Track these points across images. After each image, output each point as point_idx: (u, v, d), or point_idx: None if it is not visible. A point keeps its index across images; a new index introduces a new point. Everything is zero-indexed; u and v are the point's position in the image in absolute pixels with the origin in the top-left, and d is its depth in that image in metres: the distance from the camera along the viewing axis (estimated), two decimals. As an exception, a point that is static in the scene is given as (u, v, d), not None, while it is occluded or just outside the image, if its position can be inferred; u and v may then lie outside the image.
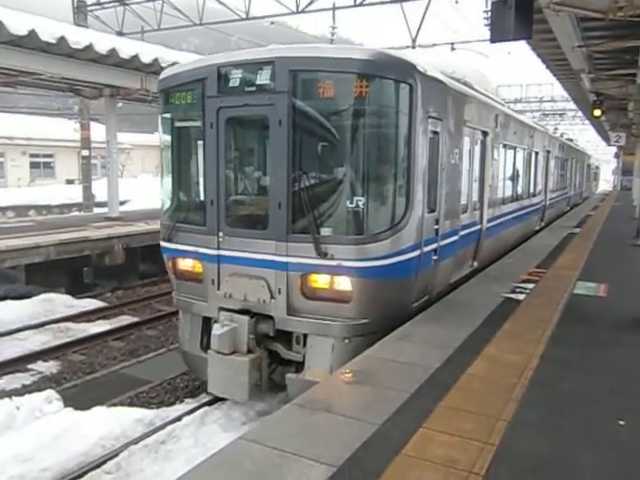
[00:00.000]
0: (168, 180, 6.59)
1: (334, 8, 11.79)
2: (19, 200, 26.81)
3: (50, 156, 35.97)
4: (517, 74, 40.84)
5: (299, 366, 5.68)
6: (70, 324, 9.95)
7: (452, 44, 13.53)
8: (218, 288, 5.90)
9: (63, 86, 15.46)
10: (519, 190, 11.91)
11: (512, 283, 7.84)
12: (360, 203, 5.28)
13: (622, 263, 10.23)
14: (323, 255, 5.27)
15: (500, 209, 9.81)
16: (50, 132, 34.38)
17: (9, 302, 10.47)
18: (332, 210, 5.51)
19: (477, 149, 8.21)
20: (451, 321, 5.92)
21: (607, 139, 34.23)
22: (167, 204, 6.60)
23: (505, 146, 10.01)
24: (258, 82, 5.50)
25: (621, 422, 3.75)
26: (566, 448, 3.38)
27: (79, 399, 6.74)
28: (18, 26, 10.62)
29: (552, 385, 4.32)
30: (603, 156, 56.88)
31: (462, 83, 7.79)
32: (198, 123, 5.99)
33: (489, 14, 7.36)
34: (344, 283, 5.36)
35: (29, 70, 12.04)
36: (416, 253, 5.76)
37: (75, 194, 25.71)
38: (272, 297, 5.58)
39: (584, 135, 43.52)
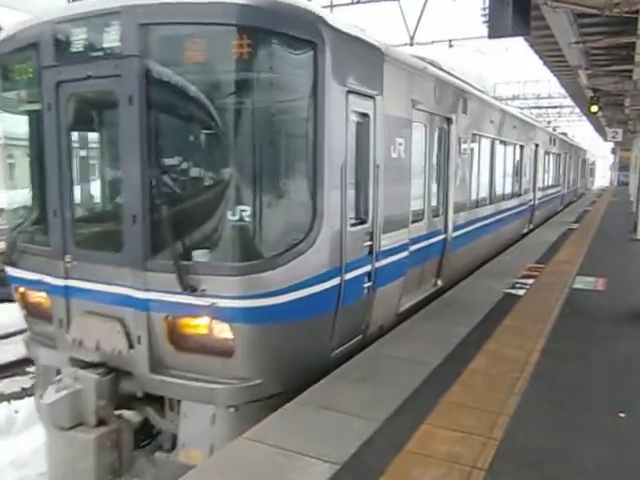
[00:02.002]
0: (10, 185, 5.24)
1: (331, 5, 11.78)
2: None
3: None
4: (515, 71, 40.93)
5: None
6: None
7: (450, 41, 13.53)
8: (67, 331, 4.40)
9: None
10: (499, 189, 10.33)
11: (512, 279, 7.87)
12: (245, 215, 3.79)
13: (620, 257, 10.26)
14: (191, 290, 3.78)
15: (472, 213, 8.20)
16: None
17: (6, 305, 10.43)
18: (206, 225, 4.01)
19: (436, 140, 6.70)
20: (452, 317, 5.92)
21: (604, 135, 34.33)
22: (10, 217, 5.25)
23: (478, 137, 8.44)
24: (105, 44, 3.98)
25: (621, 414, 3.76)
26: (568, 441, 3.39)
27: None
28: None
29: (553, 379, 4.34)
30: (600, 152, 57.04)
31: (428, 62, 6.63)
32: (38, 105, 4.41)
33: (487, 11, 7.36)
34: (223, 330, 3.91)
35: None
36: (333, 282, 4.31)
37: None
38: (130, 347, 4.10)
39: (581, 131, 43.61)
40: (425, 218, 6.37)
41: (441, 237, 6.87)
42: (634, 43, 10.25)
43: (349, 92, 4.40)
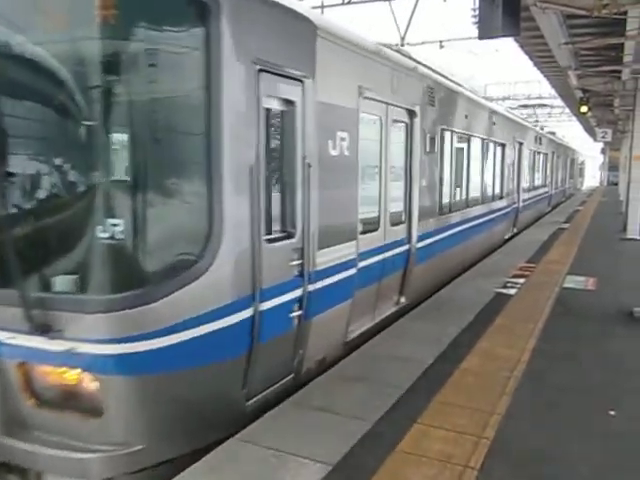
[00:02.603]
0: None
1: (322, 6, 11.76)
2: None
3: None
4: (505, 72, 41.29)
5: None
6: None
7: (440, 42, 13.59)
8: None
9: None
10: (476, 192, 9.44)
11: (503, 278, 7.92)
12: (117, 231, 2.94)
13: (610, 257, 10.36)
14: (42, 330, 2.93)
15: (443, 220, 7.33)
16: None
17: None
18: (67, 245, 3.09)
19: (395, 135, 5.80)
20: (444, 317, 5.94)
21: (594, 135, 34.68)
22: None
23: (450, 134, 7.56)
24: None
25: (612, 412, 3.80)
26: (559, 440, 3.41)
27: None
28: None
29: (544, 378, 4.36)
30: (590, 152, 57.64)
31: (395, 50, 6.04)
32: None
33: (477, 12, 7.40)
34: (87, 382, 3.07)
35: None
36: (243, 314, 3.42)
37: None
38: None
39: (571, 131, 44.03)
40: (381, 227, 5.46)
41: (403, 248, 5.98)
42: (622, 44, 10.36)
43: (262, 72, 3.47)
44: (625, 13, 8.32)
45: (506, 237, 12.38)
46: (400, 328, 5.55)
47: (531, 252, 10.38)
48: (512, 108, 24.07)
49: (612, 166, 43.61)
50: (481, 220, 9.68)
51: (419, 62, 6.73)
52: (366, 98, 4.89)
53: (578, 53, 11.99)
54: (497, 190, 11.07)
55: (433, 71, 7.12)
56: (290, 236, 3.90)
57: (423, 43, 13.53)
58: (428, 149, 6.54)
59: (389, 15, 12.69)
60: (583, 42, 10.85)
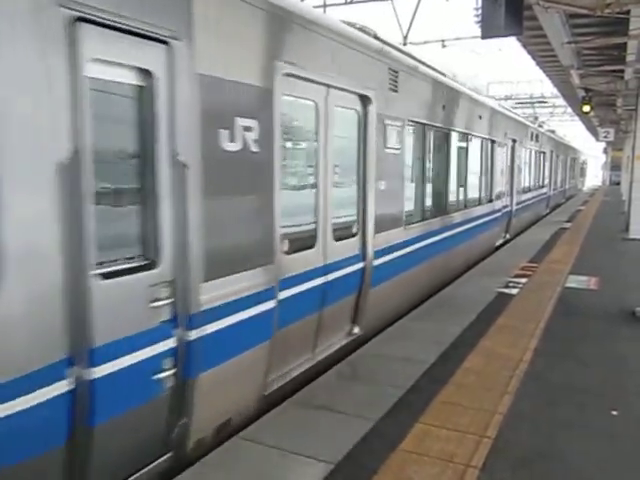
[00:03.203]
0: None
1: (325, 5, 11.77)
2: None
3: None
4: (508, 71, 41.23)
5: None
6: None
7: (443, 41, 13.58)
8: None
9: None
10: (456, 196, 8.22)
11: (505, 278, 7.92)
12: None
13: (612, 256, 10.35)
14: None
15: (411, 231, 6.12)
16: None
17: None
18: None
19: (339, 126, 4.59)
20: (446, 316, 5.95)
21: (596, 135, 34.63)
22: None
23: (420, 127, 6.40)
24: None
25: (614, 412, 3.80)
26: (561, 439, 3.41)
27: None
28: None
29: (546, 378, 4.37)
30: (592, 151, 57.58)
31: (358, 28, 5.07)
32: None
33: (479, 11, 7.40)
34: None
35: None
36: (54, 389, 2.29)
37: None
38: None
39: (573, 130, 43.98)
40: (319, 244, 4.35)
41: (355, 267, 4.88)
42: (625, 43, 10.34)
43: (81, 22, 2.31)
44: (628, 12, 8.30)
45: (497, 244, 11.35)
46: (401, 328, 5.55)
47: (533, 252, 10.39)
48: (514, 107, 23.97)
49: (614, 166, 43.56)
50: (464, 227, 8.40)
51: (385, 41, 5.52)
52: (289, 76, 3.75)
53: (581, 52, 11.99)
54: (484, 192, 9.87)
55: (400, 52, 5.95)
56: (150, 266, 2.76)
57: (426, 42, 13.53)
58: (389, 144, 5.35)
59: (391, 15, 12.70)
60: (586, 41, 10.84)
